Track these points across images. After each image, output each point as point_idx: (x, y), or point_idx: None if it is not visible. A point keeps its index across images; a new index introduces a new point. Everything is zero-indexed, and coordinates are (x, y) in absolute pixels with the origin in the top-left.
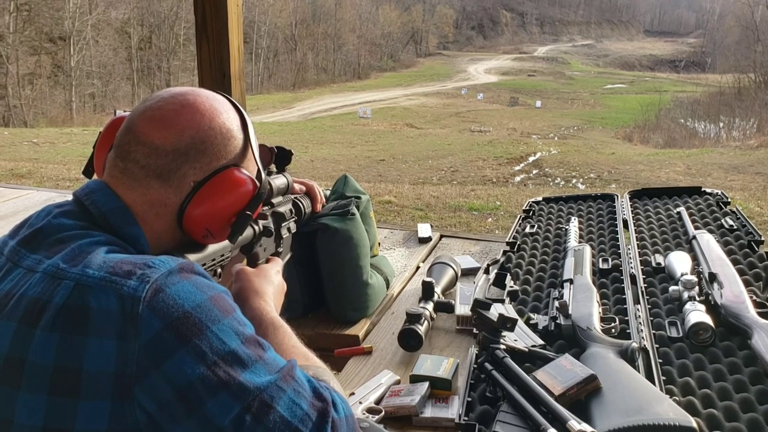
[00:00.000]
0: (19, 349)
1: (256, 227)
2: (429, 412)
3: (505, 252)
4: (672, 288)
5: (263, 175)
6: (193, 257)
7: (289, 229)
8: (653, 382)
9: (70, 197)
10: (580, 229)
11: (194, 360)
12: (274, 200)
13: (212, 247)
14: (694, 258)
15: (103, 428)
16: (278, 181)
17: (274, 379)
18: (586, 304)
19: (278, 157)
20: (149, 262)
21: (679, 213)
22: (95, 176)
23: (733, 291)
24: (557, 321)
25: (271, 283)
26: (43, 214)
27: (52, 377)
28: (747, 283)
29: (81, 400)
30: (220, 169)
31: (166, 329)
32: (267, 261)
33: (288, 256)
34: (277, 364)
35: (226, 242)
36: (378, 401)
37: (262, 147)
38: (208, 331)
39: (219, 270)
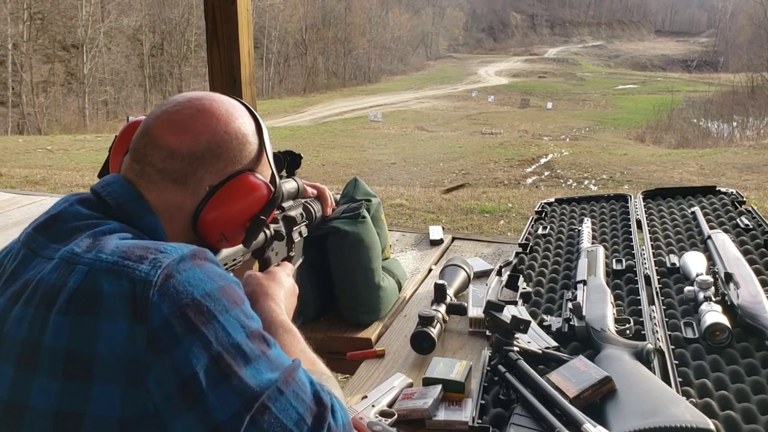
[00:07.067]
0: (36, 333)
1: (268, 231)
2: (442, 415)
3: (517, 254)
4: (687, 288)
5: (277, 179)
6: None
7: (300, 233)
8: (669, 384)
9: None
10: (593, 230)
11: (200, 349)
12: (285, 204)
13: (225, 252)
14: (710, 258)
15: (116, 413)
16: (288, 185)
17: (275, 379)
18: (600, 306)
19: (288, 162)
20: (161, 248)
21: (693, 213)
22: None
23: (750, 291)
24: (571, 322)
25: (281, 286)
26: (61, 202)
27: (66, 361)
28: (764, 283)
29: (94, 383)
30: (235, 174)
31: (174, 316)
32: (278, 265)
33: (300, 261)
34: (281, 363)
35: (239, 246)
36: (391, 404)
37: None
38: (215, 320)
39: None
